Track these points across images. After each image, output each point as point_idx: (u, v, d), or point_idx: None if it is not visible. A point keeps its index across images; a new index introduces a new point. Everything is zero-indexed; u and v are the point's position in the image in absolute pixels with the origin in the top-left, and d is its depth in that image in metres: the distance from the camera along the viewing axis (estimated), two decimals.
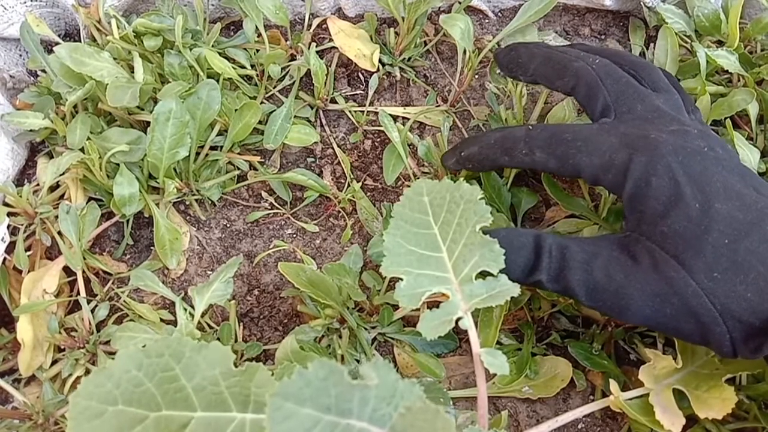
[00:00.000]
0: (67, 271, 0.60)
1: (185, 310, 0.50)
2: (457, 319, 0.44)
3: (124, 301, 0.58)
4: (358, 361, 0.54)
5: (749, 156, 0.55)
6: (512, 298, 0.49)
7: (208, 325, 0.55)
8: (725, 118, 0.58)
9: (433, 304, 0.45)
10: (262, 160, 0.65)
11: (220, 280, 0.51)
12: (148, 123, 0.58)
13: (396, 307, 0.56)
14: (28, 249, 0.58)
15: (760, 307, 0.38)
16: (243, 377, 0.38)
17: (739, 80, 0.61)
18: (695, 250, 0.40)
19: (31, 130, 0.62)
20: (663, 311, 0.40)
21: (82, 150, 0.58)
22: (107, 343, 0.57)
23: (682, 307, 0.40)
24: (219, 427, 0.38)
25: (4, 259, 0.57)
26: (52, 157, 0.63)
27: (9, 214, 0.57)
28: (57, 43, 0.58)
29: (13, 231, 0.58)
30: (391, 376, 0.35)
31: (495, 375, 0.54)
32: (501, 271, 0.43)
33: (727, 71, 0.62)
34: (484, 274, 0.45)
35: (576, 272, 0.43)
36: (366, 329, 0.56)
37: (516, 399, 0.54)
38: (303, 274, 0.53)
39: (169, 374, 0.37)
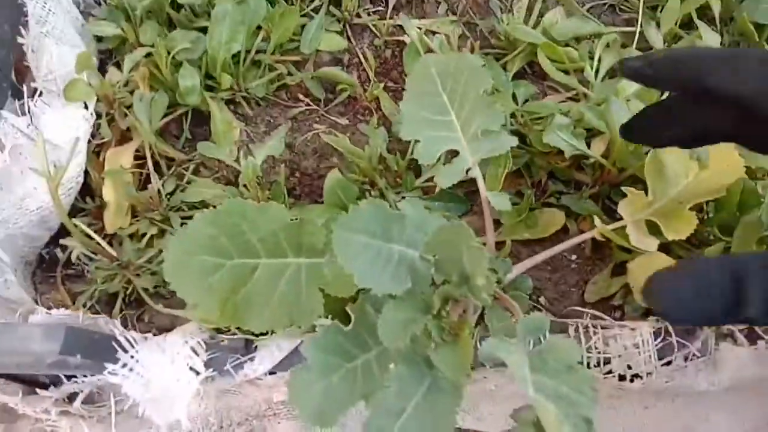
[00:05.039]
0: (136, 158, 0.71)
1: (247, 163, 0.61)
2: (467, 170, 0.54)
3: (188, 178, 0.69)
4: None
5: (711, 40, 0.65)
6: (513, 158, 0.60)
7: (260, 185, 0.66)
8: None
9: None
10: (299, 66, 0.76)
11: (274, 138, 0.62)
12: (206, 30, 0.69)
13: (417, 176, 0.67)
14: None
15: None
16: (296, 229, 0.46)
17: None
18: None
19: (100, 41, 0.73)
20: None
21: (150, 53, 0.69)
22: (177, 210, 0.68)
23: None
24: (280, 270, 0.46)
25: (89, 140, 0.68)
26: (120, 67, 0.74)
27: None
28: None
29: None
30: (421, 211, 0.44)
31: (501, 225, 0.64)
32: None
33: None
34: (487, 132, 0.55)
35: None
36: (392, 192, 0.67)
37: (518, 242, 0.64)
38: (343, 141, 0.64)
39: (238, 229, 0.44)
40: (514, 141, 0.54)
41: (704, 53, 0.44)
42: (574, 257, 0.64)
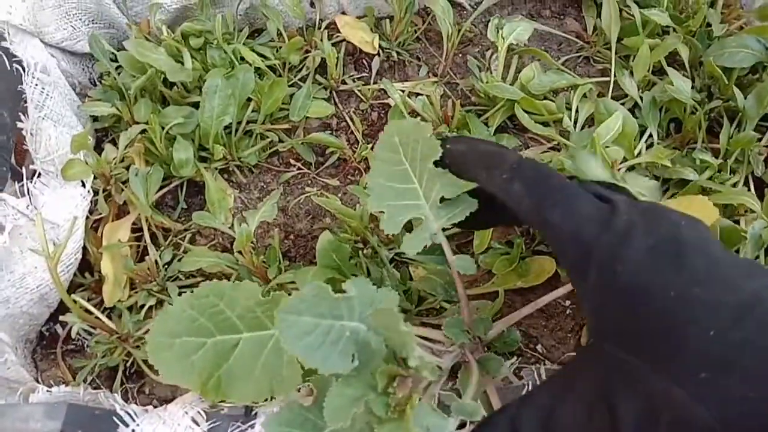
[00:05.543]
0: (133, 231, 0.72)
1: (240, 231, 0.62)
2: (432, 235, 0.54)
3: (185, 248, 0.70)
4: (380, 275, 0.66)
5: (683, 86, 0.68)
6: None
7: (255, 249, 0.67)
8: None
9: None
10: (289, 133, 0.78)
11: (267, 204, 0.63)
12: (197, 104, 0.72)
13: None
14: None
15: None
16: (272, 303, 0.47)
17: (674, 32, 0.75)
18: (674, 349, 0.33)
19: (96, 120, 0.76)
20: (658, 427, 0.34)
21: (144, 129, 0.72)
22: (174, 280, 0.69)
23: (676, 424, 0.33)
24: (262, 342, 0.47)
25: (87, 216, 0.69)
26: (116, 144, 0.77)
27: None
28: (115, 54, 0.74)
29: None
30: (369, 288, 0.44)
31: (494, 275, 0.65)
32: None
33: (665, 32, 0.77)
34: (446, 199, 0.54)
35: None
36: (385, 249, 0.68)
37: (512, 291, 0.65)
38: (334, 202, 0.65)
39: (216, 309, 0.47)
40: (475, 205, 0.53)
41: (475, 152, 0.47)
42: (567, 303, 0.65)
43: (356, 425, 0.41)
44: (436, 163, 0.51)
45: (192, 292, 0.47)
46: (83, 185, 0.68)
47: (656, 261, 0.35)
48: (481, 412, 0.42)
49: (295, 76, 0.81)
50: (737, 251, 0.60)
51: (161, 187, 0.73)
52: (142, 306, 0.67)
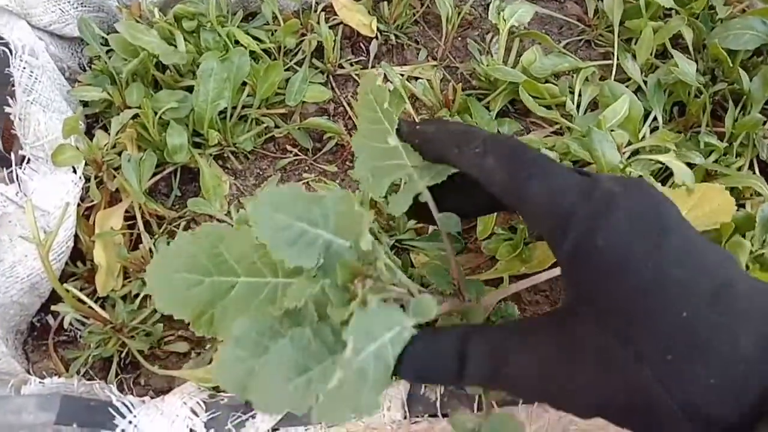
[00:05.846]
0: (126, 219, 0.70)
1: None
2: (417, 195, 0.52)
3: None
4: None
5: (688, 68, 0.67)
6: None
7: None
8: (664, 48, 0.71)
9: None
10: (285, 118, 0.76)
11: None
12: (191, 88, 0.70)
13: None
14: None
15: (730, 397, 0.31)
16: (267, 251, 0.48)
17: (678, 14, 0.74)
18: (645, 327, 0.33)
19: (86, 105, 0.74)
20: (612, 405, 0.34)
21: (136, 114, 0.70)
22: None
23: (634, 401, 0.33)
24: (258, 289, 0.46)
25: (78, 204, 0.67)
26: (107, 130, 0.75)
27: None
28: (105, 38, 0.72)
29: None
30: (349, 204, 0.41)
31: (497, 261, 0.64)
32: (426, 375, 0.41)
33: (667, 15, 0.75)
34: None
35: (512, 379, 0.37)
36: (386, 236, 0.66)
37: (516, 278, 0.64)
38: (332, 187, 0.64)
39: (215, 251, 0.45)
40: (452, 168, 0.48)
41: (445, 131, 0.45)
42: None
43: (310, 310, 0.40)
44: (402, 137, 0.49)
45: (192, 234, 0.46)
46: (74, 171, 0.66)
47: (637, 235, 0.34)
48: (434, 310, 0.39)
49: (290, 60, 0.79)
50: (744, 236, 0.59)
51: (154, 174, 0.71)
52: (137, 295, 0.65)
